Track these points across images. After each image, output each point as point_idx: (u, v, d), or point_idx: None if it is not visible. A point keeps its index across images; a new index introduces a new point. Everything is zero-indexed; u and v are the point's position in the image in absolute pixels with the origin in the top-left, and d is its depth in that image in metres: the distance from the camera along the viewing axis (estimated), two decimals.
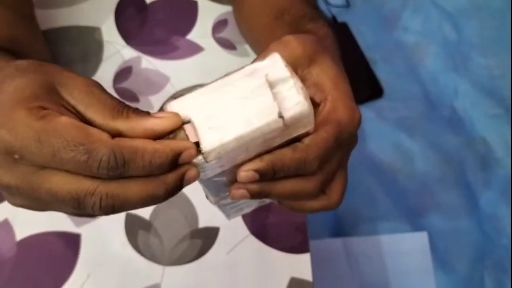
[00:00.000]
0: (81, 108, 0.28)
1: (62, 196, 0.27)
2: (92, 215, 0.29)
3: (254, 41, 0.57)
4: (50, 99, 0.28)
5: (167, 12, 0.65)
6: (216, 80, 0.30)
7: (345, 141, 0.33)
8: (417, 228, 1.14)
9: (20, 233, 0.53)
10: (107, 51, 0.61)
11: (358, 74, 1.24)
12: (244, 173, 0.30)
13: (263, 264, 0.54)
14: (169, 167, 0.28)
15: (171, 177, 0.29)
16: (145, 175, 0.28)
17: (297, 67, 0.33)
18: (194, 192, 0.55)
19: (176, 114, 0.29)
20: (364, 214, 1.14)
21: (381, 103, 1.26)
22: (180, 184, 0.29)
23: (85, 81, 0.29)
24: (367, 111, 1.24)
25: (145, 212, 0.54)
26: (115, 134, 0.28)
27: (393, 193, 1.17)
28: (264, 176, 0.30)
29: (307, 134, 0.31)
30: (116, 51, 0.62)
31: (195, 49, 0.63)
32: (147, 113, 0.29)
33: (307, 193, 0.33)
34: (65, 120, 0.27)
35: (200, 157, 0.28)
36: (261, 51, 0.33)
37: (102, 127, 0.28)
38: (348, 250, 1.08)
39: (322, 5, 1.34)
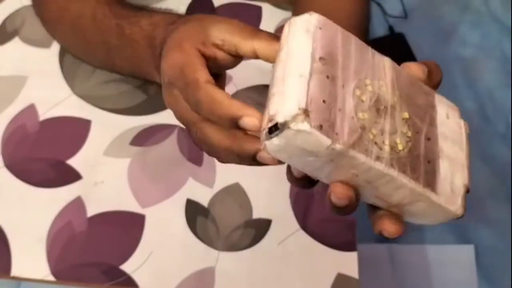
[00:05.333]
0: (227, 36, 0.36)
1: (181, 120, 0.37)
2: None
3: None
4: (202, 41, 0.37)
5: (233, 15, 0.69)
6: None
7: None
8: (463, 240, 1.13)
9: (91, 211, 0.57)
10: None
11: None
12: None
13: (312, 257, 0.56)
14: (230, 124, 0.33)
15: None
16: (215, 122, 0.34)
17: None
18: (249, 184, 0.59)
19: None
20: (411, 223, 1.14)
21: None
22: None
23: (226, 18, 0.38)
24: None
25: (203, 200, 0.58)
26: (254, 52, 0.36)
27: None
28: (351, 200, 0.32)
29: None
30: None
31: None
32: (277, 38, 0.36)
33: None
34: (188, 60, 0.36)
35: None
36: None
37: (243, 48, 0.36)
38: (392, 257, 1.08)
39: (379, 15, 1.34)
